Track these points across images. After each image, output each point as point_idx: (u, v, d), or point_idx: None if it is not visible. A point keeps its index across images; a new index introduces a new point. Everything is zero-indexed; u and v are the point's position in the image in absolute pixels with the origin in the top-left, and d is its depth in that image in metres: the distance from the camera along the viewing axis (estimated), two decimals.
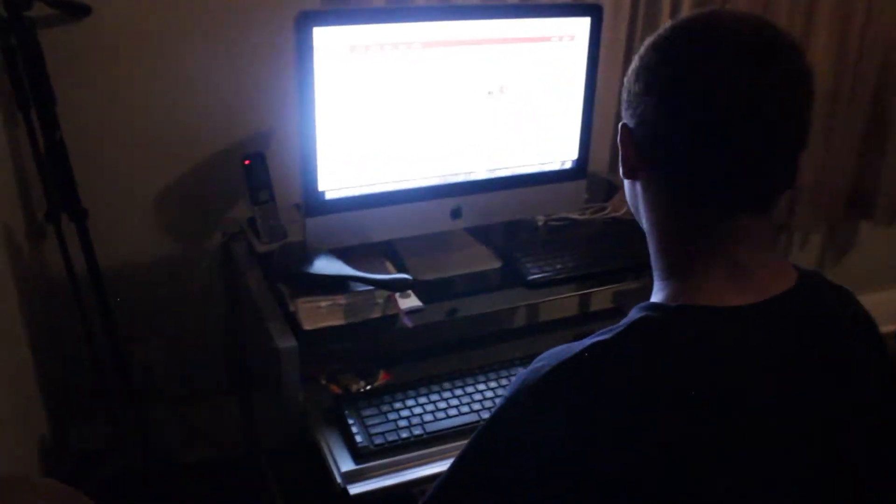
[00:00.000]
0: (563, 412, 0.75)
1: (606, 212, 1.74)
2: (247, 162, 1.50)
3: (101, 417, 1.81)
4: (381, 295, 1.36)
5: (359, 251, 1.47)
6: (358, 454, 1.23)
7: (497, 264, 1.55)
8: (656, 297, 0.84)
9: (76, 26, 1.58)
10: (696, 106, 0.77)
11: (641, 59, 0.82)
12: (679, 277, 0.83)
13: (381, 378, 1.42)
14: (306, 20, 1.24)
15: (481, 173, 1.49)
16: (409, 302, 1.39)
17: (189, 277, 1.80)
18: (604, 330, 0.78)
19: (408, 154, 1.40)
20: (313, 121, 1.30)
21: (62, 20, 1.57)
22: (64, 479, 0.92)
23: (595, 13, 1.47)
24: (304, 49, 1.25)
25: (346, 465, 1.22)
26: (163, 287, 1.79)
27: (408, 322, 1.34)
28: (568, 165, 1.56)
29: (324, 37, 1.26)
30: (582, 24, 1.46)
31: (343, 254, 1.42)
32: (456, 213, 1.49)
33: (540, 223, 1.71)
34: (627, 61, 1.39)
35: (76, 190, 1.63)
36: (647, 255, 0.88)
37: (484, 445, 0.80)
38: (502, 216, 1.59)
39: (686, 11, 1.94)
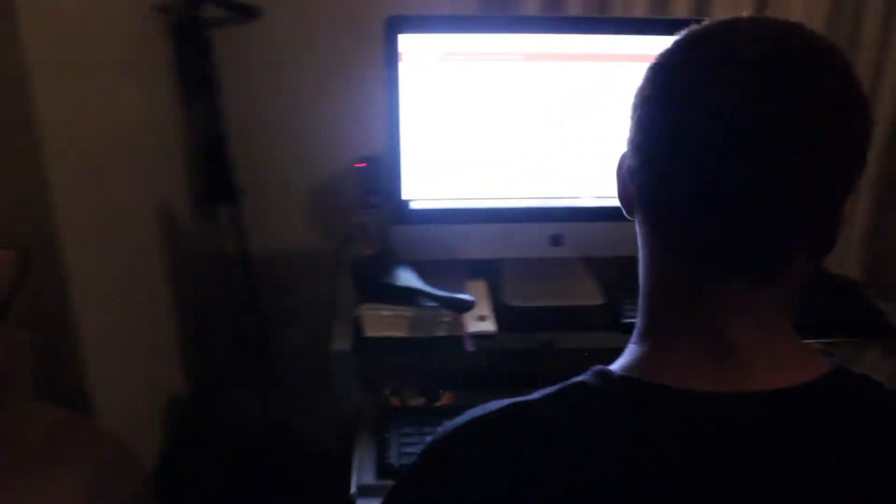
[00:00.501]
0: (460, 475, 0.66)
1: None
2: (361, 165, 1.53)
3: (236, 393, 1.93)
4: (450, 314, 1.31)
5: (451, 267, 1.43)
6: (383, 470, 1.19)
7: (598, 301, 1.42)
8: (620, 360, 0.71)
9: (245, 28, 1.71)
10: (672, 140, 0.63)
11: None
12: (651, 343, 0.68)
13: (445, 399, 1.36)
14: (392, 26, 1.23)
15: (587, 200, 1.37)
16: (482, 325, 1.32)
17: (321, 273, 1.87)
18: (545, 389, 0.68)
19: (503, 171, 1.34)
20: (398, 127, 1.29)
21: (232, 21, 1.71)
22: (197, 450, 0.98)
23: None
24: (390, 55, 1.24)
25: (368, 478, 1.19)
26: (303, 277, 1.88)
27: (469, 346, 1.28)
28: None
29: (410, 43, 1.24)
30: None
31: (430, 267, 1.39)
32: (556, 241, 1.39)
33: None
34: None
35: (232, 177, 1.78)
36: None
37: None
38: (611, 250, 1.45)
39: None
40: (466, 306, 1.27)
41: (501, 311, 1.38)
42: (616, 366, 0.69)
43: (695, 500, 0.59)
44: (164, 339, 1.74)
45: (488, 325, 1.32)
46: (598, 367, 0.68)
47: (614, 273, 1.50)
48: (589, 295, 1.43)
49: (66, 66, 1.27)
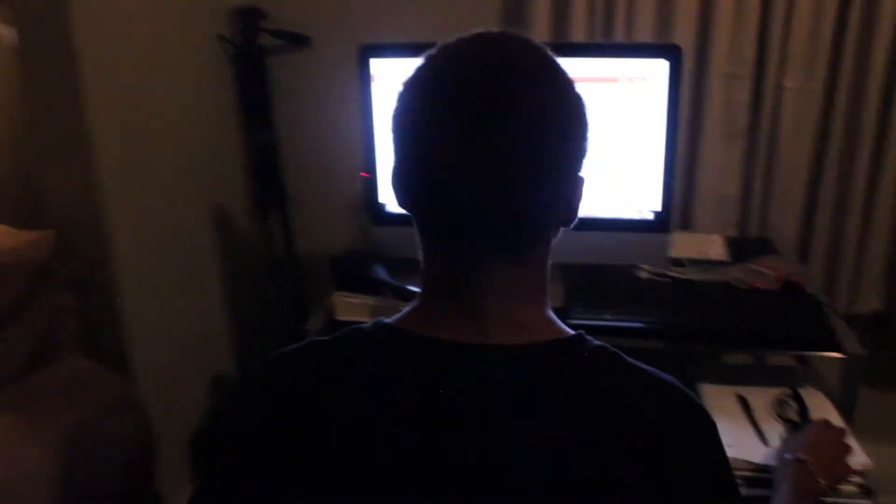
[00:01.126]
0: (264, 399, 0.83)
1: (722, 273, 1.58)
2: (364, 174, 1.72)
3: None
4: (406, 303, 1.48)
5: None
6: None
7: (555, 304, 1.52)
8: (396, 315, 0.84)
9: (296, 54, 1.97)
10: (418, 149, 0.76)
11: None
12: (419, 303, 0.81)
13: None
14: (365, 52, 1.43)
15: None
16: None
17: None
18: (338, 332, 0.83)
19: None
20: (373, 141, 1.48)
21: (285, 48, 1.98)
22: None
23: (673, 55, 1.37)
24: (363, 77, 1.44)
25: None
26: None
27: None
28: (649, 216, 1.48)
29: (382, 67, 1.44)
30: (658, 66, 1.38)
31: (404, 265, 1.56)
32: None
33: (643, 274, 1.62)
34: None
35: (283, 184, 2.04)
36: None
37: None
38: (577, 257, 1.56)
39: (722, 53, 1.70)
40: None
41: None
42: (390, 318, 0.83)
43: (429, 426, 0.73)
44: (211, 325, 2.02)
45: None
46: (379, 317, 0.83)
47: (584, 280, 1.60)
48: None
49: (126, 86, 1.58)
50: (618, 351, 0.78)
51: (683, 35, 1.77)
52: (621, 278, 1.64)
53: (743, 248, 1.75)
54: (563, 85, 0.75)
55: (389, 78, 1.45)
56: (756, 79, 1.79)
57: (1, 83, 1.62)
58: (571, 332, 0.79)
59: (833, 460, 1.15)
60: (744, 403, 1.39)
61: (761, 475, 1.23)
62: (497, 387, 0.74)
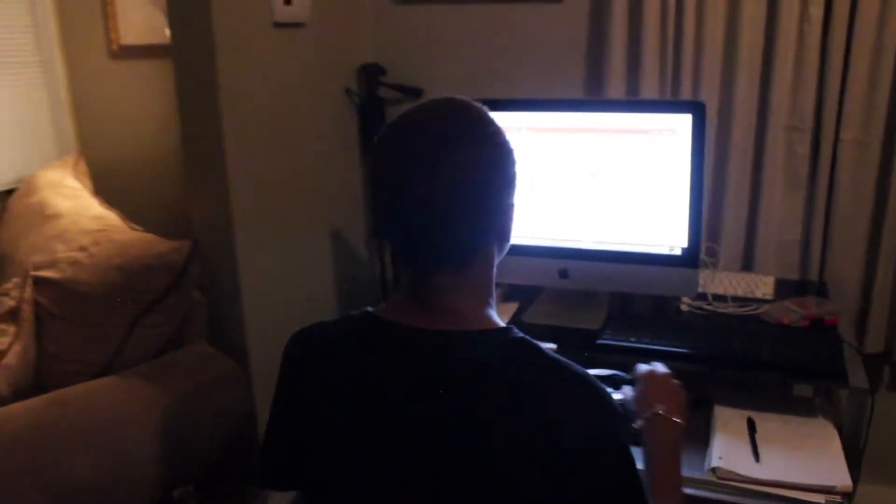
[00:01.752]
0: (284, 361, 1.14)
1: (756, 309, 1.71)
2: None
3: None
4: None
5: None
6: None
7: (594, 326, 1.72)
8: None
9: (410, 103, 2.30)
10: (377, 194, 1.02)
11: None
12: (395, 297, 1.08)
13: None
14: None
15: (587, 243, 1.71)
16: None
17: None
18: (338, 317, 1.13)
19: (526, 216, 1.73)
20: None
21: (402, 100, 2.32)
22: None
23: (697, 110, 1.55)
24: None
25: None
26: None
27: None
28: (677, 252, 1.65)
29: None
30: (683, 120, 1.57)
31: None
32: (563, 274, 1.74)
33: (684, 307, 1.78)
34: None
35: None
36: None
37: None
38: (609, 286, 1.75)
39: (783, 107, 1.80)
40: None
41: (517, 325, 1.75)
42: (373, 308, 1.10)
43: (389, 384, 1.00)
44: None
45: None
46: (366, 307, 1.11)
47: (626, 307, 1.79)
48: (591, 321, 1.74)
49: (262, 125, 1.96)
50: (537, 343, 1.01)
51: (746, 91, 1.92)
52: (663, 308, 1.80)
53: (794, 289, 1.86)
54: (489, 138, 1.00)
55: None
56: (815, 131, 1.90)
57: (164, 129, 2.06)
58: (503, 325, 1.03)
59: (672, 395, 1.22)
60: (751, 425, 1.52)
61: (747, 486, 1.37)
62: (438, 360, 0.99)
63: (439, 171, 0.96)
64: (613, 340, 1.63)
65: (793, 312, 1.67)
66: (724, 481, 1.39)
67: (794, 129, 1.92)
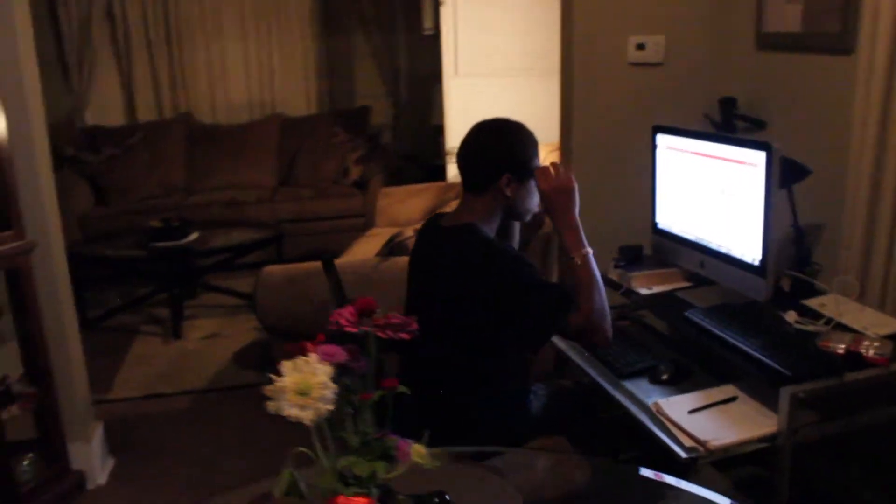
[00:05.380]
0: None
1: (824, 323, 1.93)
2: None
3: None
4: None
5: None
6: None
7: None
8: None
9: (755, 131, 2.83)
10: None
11: None
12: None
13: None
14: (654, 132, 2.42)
15: (713, 243, 2.20)
16: None
17: None
18: None
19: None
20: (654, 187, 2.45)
21: (749, 129, 2.86)
22: None
23: (767, 148, 1.93)
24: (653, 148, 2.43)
25: None
26: None
27: None
28: (754, 261, 2.02)
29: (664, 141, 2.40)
30: (759, 156, 1.96)
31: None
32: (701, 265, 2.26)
33: (790, 318, 2.06)
34: None
35: None
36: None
37: None
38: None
39: None
40: None
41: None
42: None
43: (419, 257, 2.09)
44: None
45: None
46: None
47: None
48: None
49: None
50: (488, 236, 1.91)
51: None
52: (761, 313, 2.11)
53: None
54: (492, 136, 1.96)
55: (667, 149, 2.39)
56: None
57: None
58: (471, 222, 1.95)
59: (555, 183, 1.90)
60: (729, 400, 1.90)
61: (664, 419, 1.86)
62: (438, 243, 2.00)
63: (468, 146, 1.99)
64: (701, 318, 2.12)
65: (839, 344, 1.86)
66: (658, 414, 1.87)
67: None
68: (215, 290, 4.71)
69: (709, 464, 2.30)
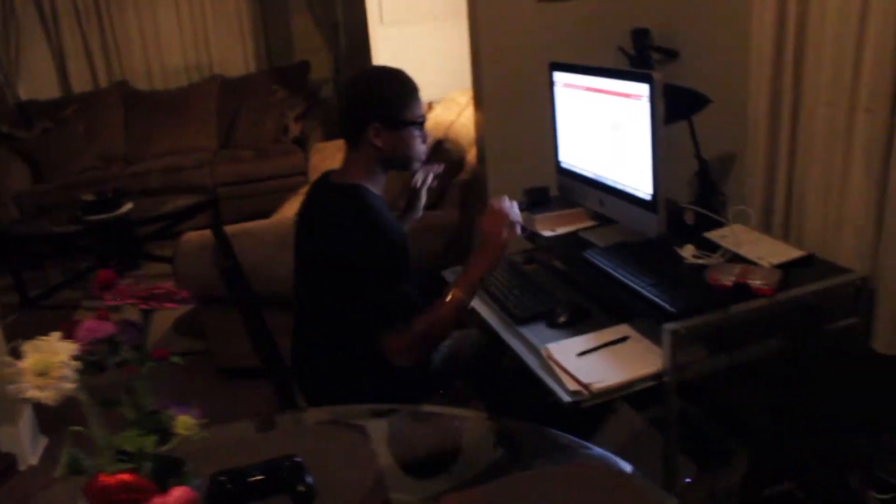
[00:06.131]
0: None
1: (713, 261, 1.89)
2: None
3: None
4: None
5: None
6: None
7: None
8: None
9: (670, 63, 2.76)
10: None
11: None
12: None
13: None
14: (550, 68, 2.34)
15: (610, 180, 2.14)
16: None
17: None
18: None
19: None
20: (555, 124, 2.38)
21: (662, 60, 2.78)
22: None
23: (649, 80, 1.87)
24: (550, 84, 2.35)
25: None
26: None
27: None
28: (647, 197, 1.97)
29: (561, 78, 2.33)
30: (643, 88, 1.89)
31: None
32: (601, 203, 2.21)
33: (685, 255, 2.02)
34: None
35: None
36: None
37: None
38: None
39: None
40: None
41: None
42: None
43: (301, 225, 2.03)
44: None
45: None
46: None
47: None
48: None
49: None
50: (372, 202, 1.85)
51: None
52: (659, 249, 2.07)
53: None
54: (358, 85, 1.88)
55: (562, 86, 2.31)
56: None
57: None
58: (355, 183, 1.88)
59: (493, 224, 1.89)
60: (620, 340, 1.86)
61: (552, 364, 1.83)
62: (320, 200, 1.94)
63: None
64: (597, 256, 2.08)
65: (728, 276, 1.82)
66: (548, 359, 1.84)
67: None
68: (157, 259, 4.64)
69: (625, 402, 2.29)
